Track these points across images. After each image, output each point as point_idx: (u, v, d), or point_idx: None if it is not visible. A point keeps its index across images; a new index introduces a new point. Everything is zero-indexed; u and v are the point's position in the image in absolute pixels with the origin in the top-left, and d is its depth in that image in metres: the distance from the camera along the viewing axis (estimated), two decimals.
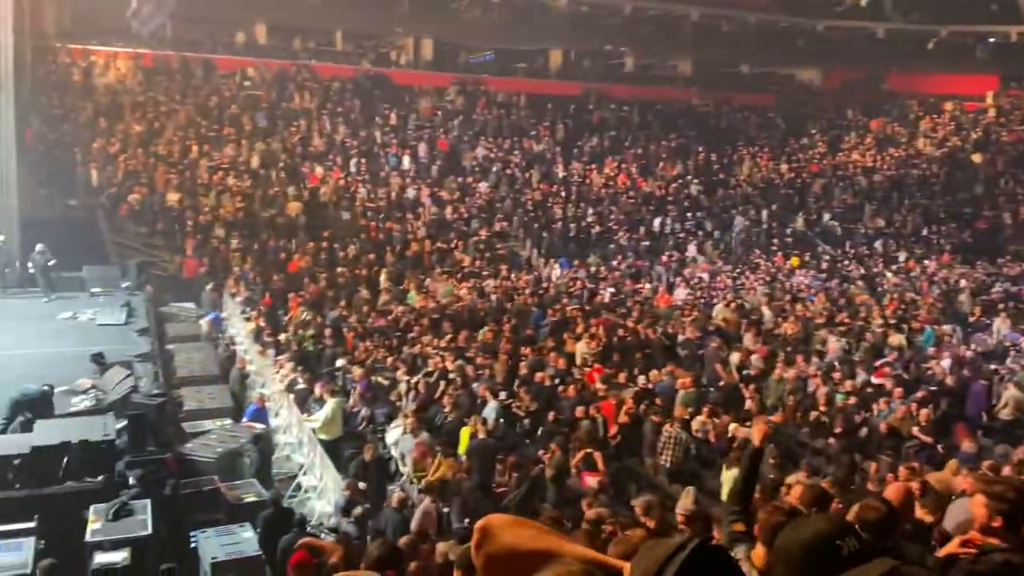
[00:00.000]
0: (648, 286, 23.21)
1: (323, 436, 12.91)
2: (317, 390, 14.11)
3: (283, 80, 32.41)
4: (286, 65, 33.10)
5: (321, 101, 31.95)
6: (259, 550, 9.36)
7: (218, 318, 19.61)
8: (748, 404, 13.46)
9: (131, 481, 9.96)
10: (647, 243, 27.22)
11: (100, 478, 10.39)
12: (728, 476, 9.95)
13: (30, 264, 19.89)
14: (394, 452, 12.84)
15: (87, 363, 14.28)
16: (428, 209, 26.99)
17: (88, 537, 9.22)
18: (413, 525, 9.43)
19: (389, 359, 16.15)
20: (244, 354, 17.44)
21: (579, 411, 12.68)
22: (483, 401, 13.33)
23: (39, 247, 19.77)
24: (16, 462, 10.19)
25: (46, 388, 12.17)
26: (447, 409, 13.23)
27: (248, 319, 18.70)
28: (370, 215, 25.84)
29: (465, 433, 12.17)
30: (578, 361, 15.70)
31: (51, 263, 19.87)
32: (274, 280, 20.99)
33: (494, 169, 30.12)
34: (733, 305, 20.18)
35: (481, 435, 11.58)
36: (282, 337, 17.27)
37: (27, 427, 11.23)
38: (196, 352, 17.23)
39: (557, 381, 14.13)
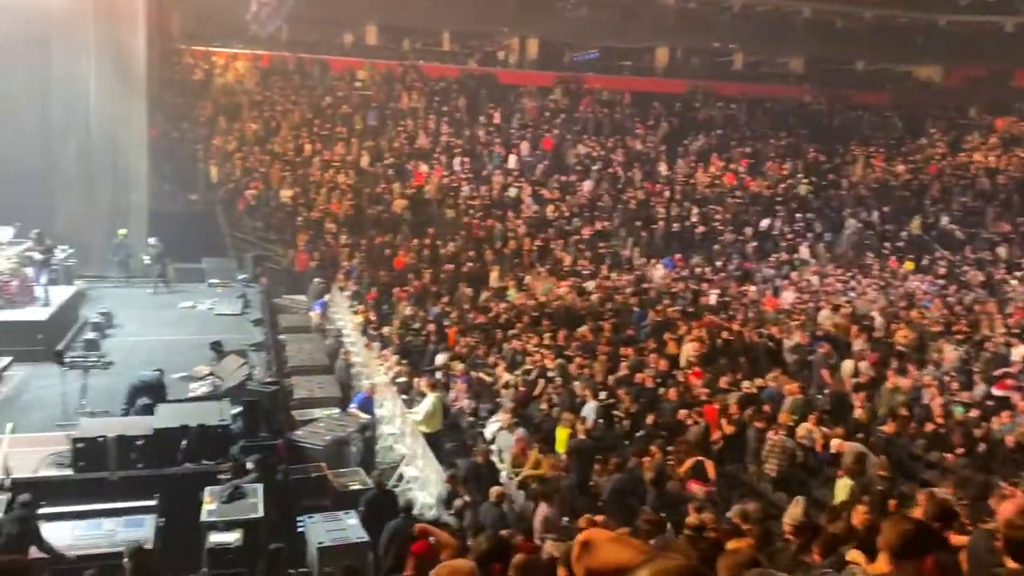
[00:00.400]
0: (754, 289, 22.65)
1: (424, 429, 13.15)
2: (419, 384, 14.40)
3: (391, 80, 33.14)
4: (394, 65, 33.82)
5: (428, 100, 32.52)
6: (363, 537, 9.65)
7: (323, 304, 20.26)
8: (858, 413, 12.97)
9: (249, 466, 10.36)
10: (753, 244, 26.54)
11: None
12: (843, 486, 9.61)
13: (144, 257, 20.89)
14: (494, 447, 12.96)
15: (205, 351, 15.00)
16: (529, 207, 27.11)
17: (204, 517, 9.70)
18: (537, 524, 9.46)
19: (489, 355, 16.32)
20: (351, 346, 17.95)
21: (681, 414, 12.50)
22: (582, 400, 13.30)
23: (151, 240, 20.85)
24: (139, 443, 10.81)
25: (158, 373, 12.77)
26: (545, 407, 13.27)
27: (355, 312, 19.20)
28: (472, 213, 26.14)
29: (563, 432, 12.17)
30: (681, 363, 15.47)
31: (162, 256, 20.81)
32: (380, 275, 21.49)
33: (596, 167, 29.98)
34: (844, 310, 19.47)
35: (580, 435, 11.55)
36: (387, 330, 17.67)
37: (147, 411, 11.89)
38: (306, 343, 17.87)
39: (658, 383, 13.95)
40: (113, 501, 10.01)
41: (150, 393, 12.27)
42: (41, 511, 9.51)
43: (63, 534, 9.32)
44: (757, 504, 9.07)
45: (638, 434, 12.64)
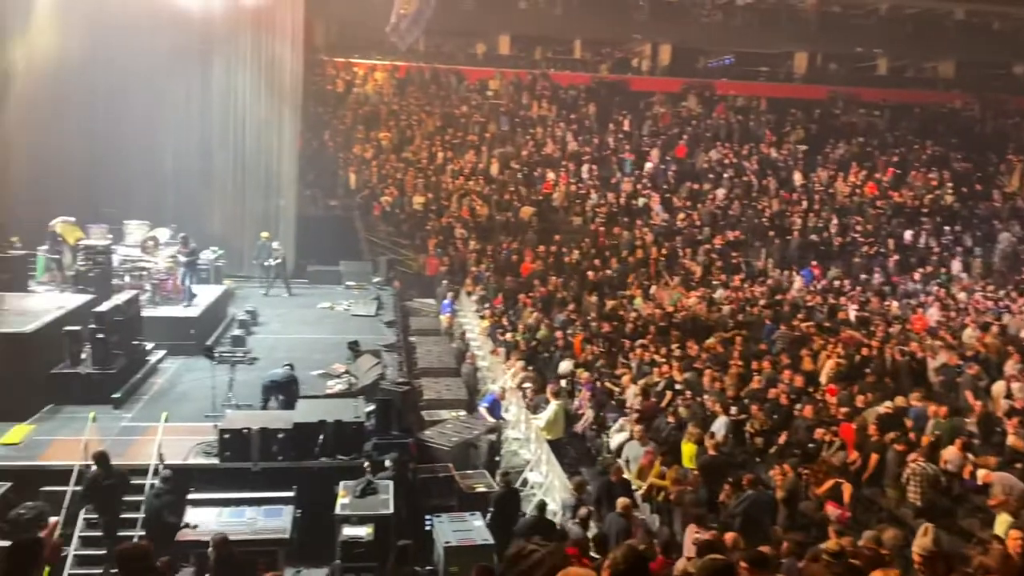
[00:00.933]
0: (896, 304, 21.53)
1: (546, 436, 13.18)
2: (544, 390, 14.45)
3: (522, 89, 33.52)
4: (525, 74, 34.18)
5: (558, 108, 32.70)
6: (488, 539, 9.76)
7: (451, 308, 20.67)
8: (1011, 439, 12.10)
9: (387, 463, 10.68)
10: (896, 258, 25.25)
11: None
12: (1003, 521, 8.96)
13: (270, 260, 21.80)
14: (620, 459, 12.85)
15: (342, 349, 15.62)
16: (658, 215, 26.78)
17: (338, 510, 10.08)
18: (688, 541, 9.32)
19: (615, 365, 16.20)
20: (477, 350, 18.22)
21: (817, 433, 12.01)
22: (711, 414, 13.00)
23: (275, 244, 21.83)
24: (280, 436, 11.32)
25: (288, 368, 13.29)
26: (671, 420, 13.05)
27: (482, 317, 19.49)
28: (599, 220, 26.06)
29: (689, 447, 11.92)
30: (822, 380, 14.88)
31: (280, 260, 21.66)
32: (507, 281, 21.73)
33: (728, 176, 29.30)
34: (995, 329, 18.23)
35: (711, 450, 11.29)
36: (512, 336, 17.84)
37: (286, 407, 12.48)
38: (435, 345, 18.29)
39: (793, 399, 13.46)
40: (254, 490, 10.52)
41: (282, 390, 12.86)
42: (189, 496, 10.19)
43: (209, 519, 9.89)
44: (896, 531, 8.62)
45: (770, 451, 12.25)
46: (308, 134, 28.81)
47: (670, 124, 32.59)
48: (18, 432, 11.60)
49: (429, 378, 16.07)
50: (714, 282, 22.56)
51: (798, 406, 13.08)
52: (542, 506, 10.30)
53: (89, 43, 19.43)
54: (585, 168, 29.08)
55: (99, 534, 10.09)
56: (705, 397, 13.71)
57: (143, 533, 9.92)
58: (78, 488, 10.25)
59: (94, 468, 10.03)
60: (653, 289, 21.69)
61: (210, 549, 8.66)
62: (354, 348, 14.83)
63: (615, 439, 13.23)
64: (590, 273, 22.31)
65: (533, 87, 33.64)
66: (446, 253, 23.95)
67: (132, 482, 10.44)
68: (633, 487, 11.16)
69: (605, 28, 35.72)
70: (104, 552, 9.88)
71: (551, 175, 28.33)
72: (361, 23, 33.90)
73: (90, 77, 19.57)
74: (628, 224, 25.92)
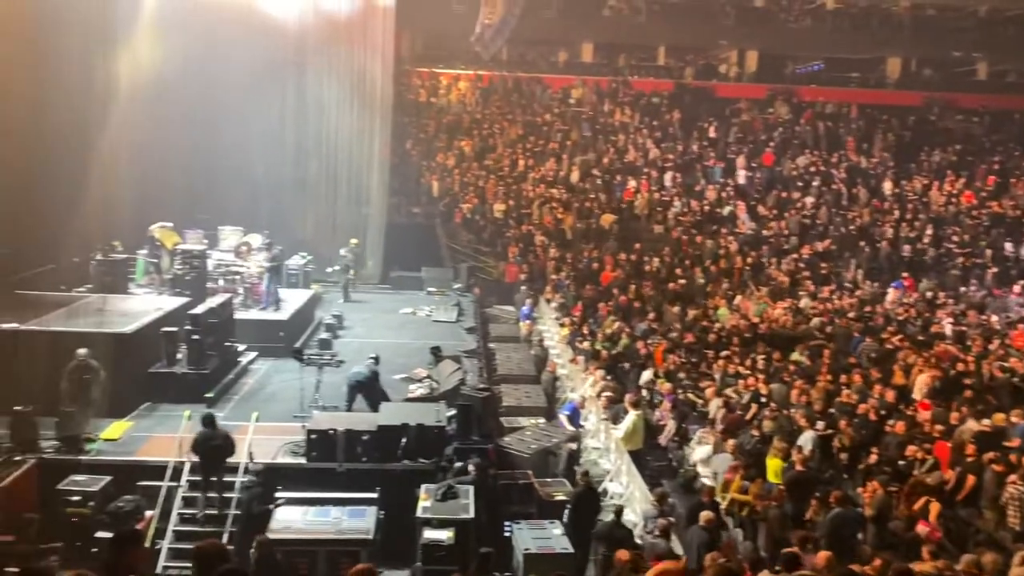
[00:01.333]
0: (996, 318, 20.59)
1: (626, 447, 13.05)
2: (624, 400, 14.32)
3: (604, 96, 33.42)
4: (608, 81, 34.07)
5: (641, 115, 32.48)
6: (568, 548, 9.74)
7: (530, 315, 20.73)
8: None
9: (470, 468, 10.80)
10: (996, 270, 24.16)
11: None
12: None
13: (335, 267, 22.23)
14: (701, 470, 12.65)
15: (423, 354, 15.84)
16: (744, 224, 26.30)
17: (419, 513, 10.21)
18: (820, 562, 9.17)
19: (697, 376, 15.96)
20: (556, 358, 18.21)
21: (909, 450, 11.58)
22: (797, 428, 12.67)
23: (342, 251, 22.25)
24: (365, 438, 11.55)
25: (371, 361, 13.49)
26: (756, 433, 12.77)
27: (562, 325, 19.47)
28: (683, 229, 25.75)
29: (774, 461, 11.64)
30: (914, 395, 14.34)
31: (349, 267, 22.01)
32: (586, 289, 21.65)
33: (817, 184, 28.57)
34: None
35: (797, 465, 11.01)
36: (592, 345, 17.76)
37: (372, 406, 12.74)
38: (514, 352, 18.35)
39: (883, 415, 13.01)
40: (339, 491, 10.74)
41: (365, 390, 13.11)
42: (277, 494, 10.49)
43: (295, 517, 10.15)
44: (995, 555, 8.27)
45: (859, 468, 11.87)
46: (392, 143, 29.37)
47: (757, 131, 31.98)
48: (118, 428, 12.14)
49: (508, 385, 16.13)
50: (801, 293, 22.00)
51: (890, 422, 12.64)
52: (619, 511, 10.27)
53: (187, 56, 20.24)
54: (668, 175, 28.78)
55: (193, 528, 10.48)
56: (791, 411, 13.38)
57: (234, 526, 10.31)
58: (173, 483, 10.68)
59: (203, 429, 10.71)
60: (738, 299, 21.27)
61: (252, 551, 8.90)
62: (436, 353, 15.00)
63: (697, 452, 13.04)
64: (671, 283, 22.03)
65: (615, 94, 33.50)
66: (526, 260, 24.04)
67: (224, 480, 10.82)
68: (717, 499, 10.97)
69: (690, 34, 35.31)
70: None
71: (632, 182, 28.16)
72: (445, 34, 34.43)
73: (188, 89, 20.37)
74: (712, 233, 25.53)
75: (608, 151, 30.07)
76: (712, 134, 31.54)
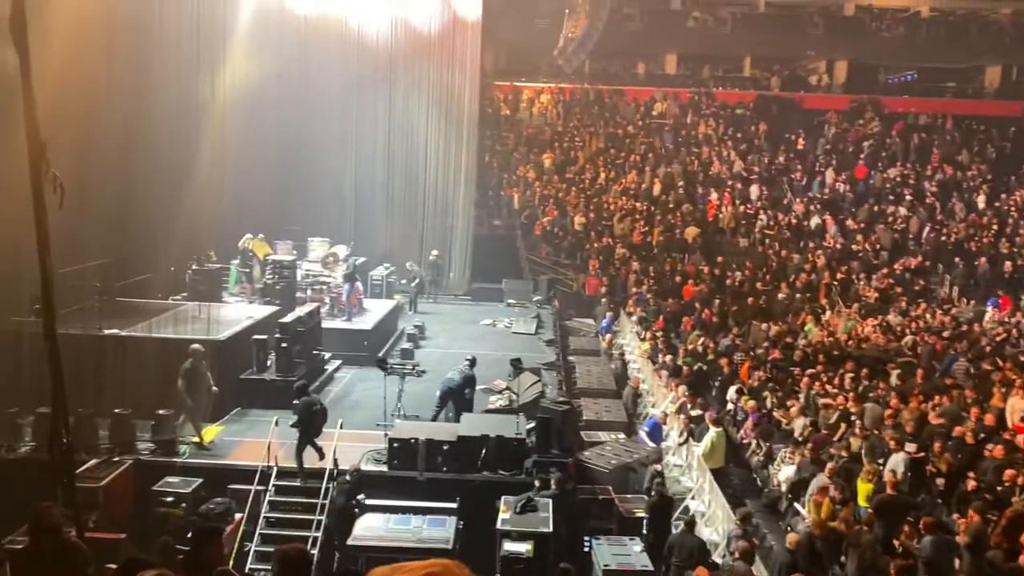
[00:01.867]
0: None
1: (708, 464, 12.83)
2: (705, 417, 14.09)
3: (688, 107, 33.08)
4: (691, 93, 33.73)
5: (725, 127, 32.03)
6: (648, 565, 9.63)
7: (609, 327, 20.59)
8: None
9: (552, 482, 10.79)
10: None
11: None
12: None
13: (404, 281, 22.42)
14: (785, 490, 12.32)
15: (503, 366, 15.91)
16: (833, 238, 25.60)
17: (499, 525, 10.24)
18: None
19: (783, 393, 15.56)
20: (637, 373, 18.04)
21: (1008, 475, 11.03)
22: (889, 450, 12.22)
23: (409, 264, 22.47)
24: (445, 448, 11.67)
25: (468, 363, 13.59)
26: (845, 454, 12.37)
27: (643, 339, 19.29)
28: (769, 243, 25.22)
29: (864, 484, 11.25)
30: (1010, 420, 13.67)
31: (416, 281, 22.22)
32: (669, 303, 21.41)
33: (910, 197, 27.61)
34: None
35: (888, 488, 10.62)
36: (673, 359, 17.55)
37: (461, 411, 12.92)
38: (594, 365, 18.25)
39: (980, 438, 12.42)
40: (419, 499, 10.88)
41: (456, 396, 13.23)
42: (360, 499, 10.69)
43: (377, 524, 10.32)
44: None
45: (954, 493, 11.36)
46: (475, 156, 29.71)
47: (846, 143, 31.13)
48: (210, 432, 12.56)
49: (588, 398, 16.05)
50: (892, 310, 21.25)
51: (988, 446, 12.07)
52: (691, 523, 10.16)
53: (279, 71, 20.93)
54: (754, 188, 28.26)
55: (278, 532, 10.75)
56: (882, 432, 12.91)
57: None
58: (261, 487, 10.99)
59: (304, 398, 11.53)
60: (826, 316, 20.70)
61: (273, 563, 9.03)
62: (516, 365, 15.05)
63: (782, 471, 12.71)
64: (752, 298, 21.58)
65: (699, 105, 33.13)
66: (606, 273, 23.92)
67: (308, 485, 11.09)
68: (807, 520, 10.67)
69: (777, 45, 34.68)
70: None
71: (715, 195, 27.75)
72: (527, 48, 34.70)
73: (279, 103, 21.06)
74: (799, 247, 24.94)
75: (691, 163, 29.73)
76: (800, 146, 30.85)
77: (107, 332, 13.15)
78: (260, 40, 20.53)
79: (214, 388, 12.50)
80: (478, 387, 14.87)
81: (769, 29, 34.08)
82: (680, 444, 14.39)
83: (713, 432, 13.07)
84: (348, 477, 10.81)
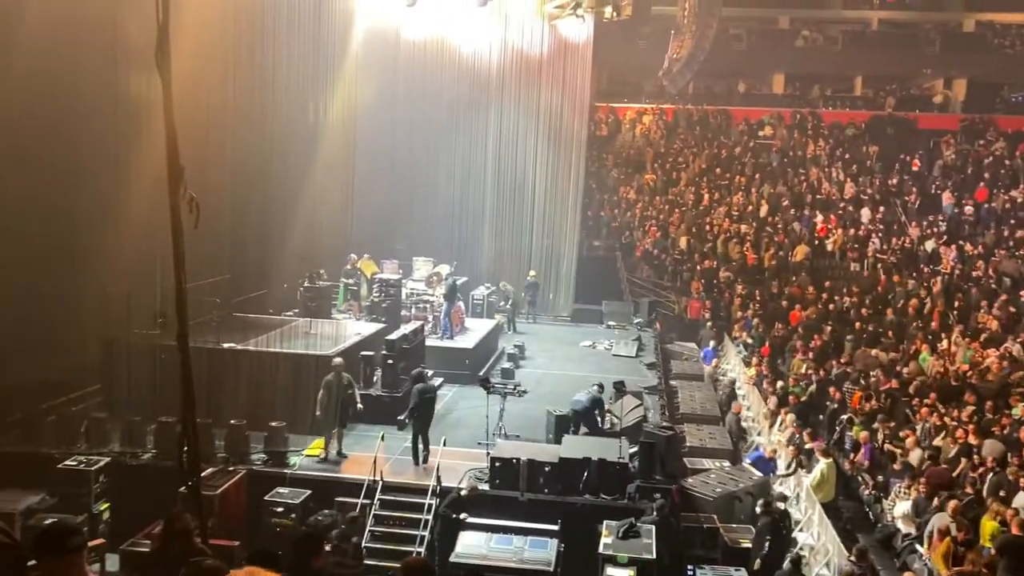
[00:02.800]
0: None
1: (818, 497, 12.38)
2: (813, 447, 13.63)
3: (796, 128, 32.31)
4: (799, 113, 32.94)
5: (834, 148, 31.11)
6: None
7: (713, 353, 20.17)
8: None
9: (656, 507, 10.65)
10: None
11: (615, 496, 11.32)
12: None
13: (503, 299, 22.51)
14: (901, 525, 11.77)
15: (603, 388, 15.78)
16: (950, 264, 24.43)
17: (601, 549, 10.14)
18: None
19: (897, 425, 14.90)
20: (743, 400, 17.60)
21: None
22: (1014, 486, 11.52)
23: (502, 284, 22.48)
24: (547, 469, 11.65)
25: (596, 388, 13.67)
26: (969, 491, 11.73)
27: (748, 365, 18.84)
28: (881, 267, 24.28)
29: (990, 523, 10.63)
30: None
31: (511, 301, 22.28)
32: (776, 328, 20.84)
33: None
34: None
35: (1014, 528, 10.00)
36: (780, 387, 17.05)
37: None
38: (697, 391, 17.91)
39: None
40: (520, 520, 10.87)
41: (585, 419, 13.26)
42: (462, 518, 10.76)
43: (479, 542, 10.36)
44: None
45: None
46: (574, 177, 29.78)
47: (965, 164, 29.74)
48: (318, 445, 12.91)
49: (691, 424, 15.74)
50: (1014, 339, 20.07)
51: None
52: (797, 560, 9.78)
53: (388, 94, 21.55)
54: (865, 211, 27.30)
55: (383, 546, 10.95)
56: (1009, 469, 12.20)
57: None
58: (367, 501, 11.22)
59: (420, 384, 12.70)
60: (943, 344, 19.73)
61: None
62: (619, 388, 14.91)
63: (897, 506, 12.16)
64: (865, 324, 20.77)
65: (807, 126, 32.30)
66: (710, 296, 23.50)
67: (412, 500, 11.26)
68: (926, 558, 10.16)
69: (890, 64, 33.55)
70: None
71: (820, 217, 26.91)
72: (630, 69, 34.62)
73: (388, 127, 21.68)
74: (914, 272, 23.91)
75: (799, 184, 28.98)
76: (915, 167, 29.66)
77: (225, 346, 13.72)
78: (371, 64, 21.20)
79: (359, 406, 12.93)
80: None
81: (882, 47, 33.05)
82: (788, 474, 13.93)
83: (824, 463, 12.64)
84: (458, 495, 10.88)
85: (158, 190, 6.04)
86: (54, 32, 12.17)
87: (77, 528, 3.34)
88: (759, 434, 16.38)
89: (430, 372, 16.16)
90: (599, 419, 13.47)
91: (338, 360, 12.84)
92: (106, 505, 11.22)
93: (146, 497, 10.54)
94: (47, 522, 8.49)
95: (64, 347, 12.98)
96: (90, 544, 10.13)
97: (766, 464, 13.54)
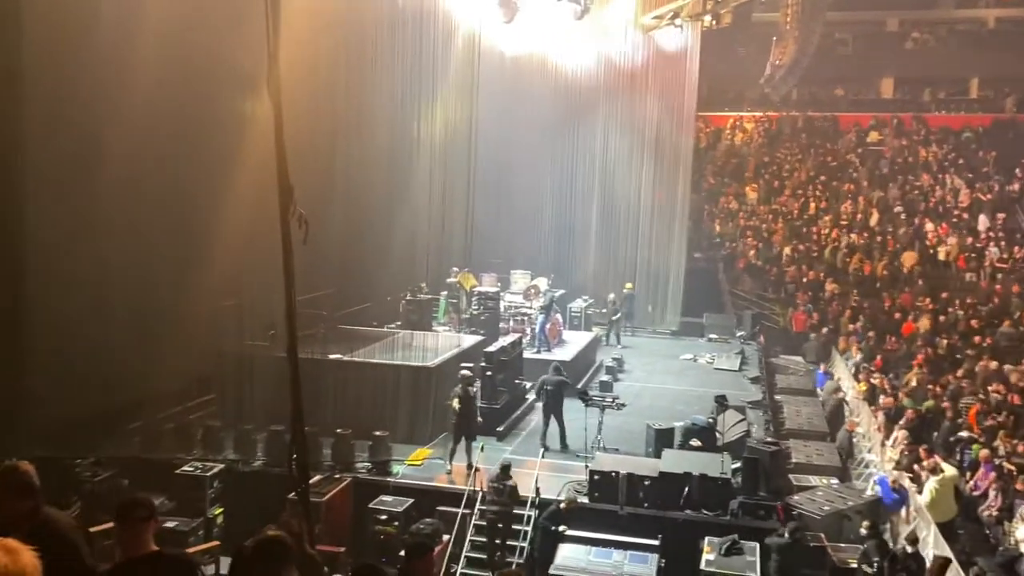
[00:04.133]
0: None
1: (932, 516, 11.77)
2: (927, 464, 12.98)
3: (906, 133, 31.04)
4: (910, 117, 31.63)
5: (948, 153, 29.72)
6: None
7: (822, 378, 19.49)
8: None
9: (789, 529, 10.42)
10: None
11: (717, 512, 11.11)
12: None
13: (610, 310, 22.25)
14: None
15: (704, 402, 15.52)
16: None
17: (702, 566, 9.97)
18: None
19: (1017, 441, 14.05)
20: (853, 415, 16.96)
21: None
22: None
23: (611, 296, 22.21)
24: (647, 483, 11.53)
25: (711, 421, 13.63)
26: None
27: (859, 380, 18.15)
28: (1000, 277, 23.02)
29: None
30: None
31: (616, 315, 21.90)
32: (888, 340, 20.02)
33: None
34: None
35: None
36: (893, 402, 16.34)
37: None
38: (804, 406, 17.36)
39: None
40: (620, 534, 10.78)
41: (700, 435, 13.11)
42: (562, 530, 10.75)
43: (578, 555, 10.35)
44: None
45: None
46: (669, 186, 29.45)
47: None
48: (420, 454, 13.16)
49: (797, 440, 15.26)
50: None
51: None
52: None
53: (487, 109, 21.77)
54: (982, 218, 25.95)
55: (482, 556, 11.04)
56: None
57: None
58: (467, 511, 11.35)
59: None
60: None
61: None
62: (721, 402, 14.61)
63: (1020, 529, 11.47)
64: (982, 336, 19.72)
65: (918, 130, 30.99)
66: (816, 308, 22.78)
67: (515, 511, 11.33)
68: None
69: (1008, 63, 31.80)
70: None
71: (930, 225, 25.71)
72: (731, 77, 33.98)
73: (487, 141, 21.84)
74: None
75: (911, 192, 27.80)
76: None
77: (331, 357, 14.15)
78: (470, 80, 21.45)
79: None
80: (679, 423, 14.58)
81: (1000, 46, 31.42)
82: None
83: (933, 481, 12.01)
84: (559, 507, 10.87)
85: (265, 205, 6.33)
86: (163, 56, 12.82)
87: (145, 502, 3.82)
88: (870, 451, 15.76)
89: (528, 384, 16.26)
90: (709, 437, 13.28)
91: (465, 372, 13.10)
92: (220, 510, 11.70)
93: (257, 503, 10.97)
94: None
95: (181, 359, 13.61)
96: (205, 546, 10.66)
97: (890, 491, 12.71)
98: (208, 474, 11.73)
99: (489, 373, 14.56)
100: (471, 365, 13.97)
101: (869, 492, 12.36)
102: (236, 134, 14.14)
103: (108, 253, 12.61)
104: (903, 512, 12.59)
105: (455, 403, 12.63)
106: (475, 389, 13.12)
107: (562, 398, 13.74)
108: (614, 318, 21.91)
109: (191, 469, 11.89)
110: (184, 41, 13.04)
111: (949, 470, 12.32)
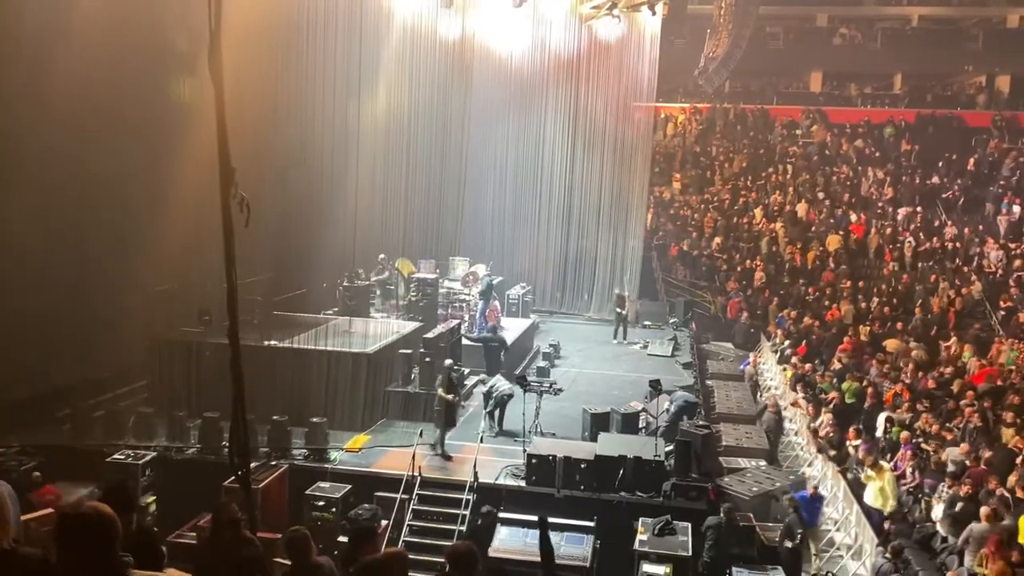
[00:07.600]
0: None
1: (880, 507, 12.16)
2: (860, 454, 13.48)
3: (833, 126, 32.00)
4: (836, 111, 32.61)
5: (872, 146, 30.76)
6: None
7: (749, 362, 20.04)
8: None
9: (724, 509, 10.82)
10: None
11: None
12: None
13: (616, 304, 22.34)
14: (940, 529, 11.65)
15: (637, 387, 15.85)
16: (993, 264, 24.05)
17: (636, 546, 10.24)
18: None
19: (936, 426, 14.73)
20: (780, 400, 17.51)
21: None
22: None
23: (617, 290, 22.44)
24: (583, 466, 11.75)
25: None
26: (1020, 493, 11.58)
27: (784, 366, 18.74)
28: (920, 267, 23.98)
29: None
30: None
31: (625, 310, 21.89)
32: (811, 327, 20.69)
33: None
34: None
35: None
36: (814, 387, 16.96)
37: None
38: (733, 391, 17.87)
39: None
40: (557, 516, 10.96)
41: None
42: (500, 515, 10.90)
43: (515, 539, 10.52)
44: None
45: None
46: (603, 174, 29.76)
47: (1011, 163, 29.21)
48: (358, 441, 13.14)
49: (727, 424, 15.73)
50: None
51: None
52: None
53: (422, 96, 21.70)
54: (902, 210, 26.97)
55: (421, 540, 11.12)
56: None
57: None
58: (405, 496, 11.41)
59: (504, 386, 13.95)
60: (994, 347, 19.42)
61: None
62: (655, 387, 14.92)
63: (936, 509, 12.03)
64: (901, 323, 20.59)
65: (844, 124, 31.97)
66: (746, 296, 23.38)
67: (450, 495, 11.42)
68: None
69: (930, 61, 33.08)
70: None
71: (854, 216, 26.61)
72: (665, 68, 34.40)
73: (423, 127, 21.81)
74: (953, 271, 23.59)
75: (836, 184, 28.70)
76: (955, 166, 29.21)
77: (267, 343, 13.99)
78: (410, 65, 21.34)
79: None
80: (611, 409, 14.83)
81: (922, 44, 32.64)
82: (828, 474, 13.86)
83: (878, 482, 12.28)
84: (484, 510, 10.99)
85: (201, 191, 6.25)
86: (99, 38, 12.49)
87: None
88: (796, 434, 16.35)
89: (466, 370, 16.31)
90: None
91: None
92: (153, 498, 11.51)
93: (191, 491, 10.85)
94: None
95: (112, 345, 13.34)
96: None
97: (813, 505, 12.60)
98: (140, 462, 11.50)
99: (428, 359, 14.59)
100: (379, 349, 14.37)
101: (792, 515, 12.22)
102: (170, 115, 13.88)
103: (40, 239, 12.27)
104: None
105: (442, 391, 12.76)
106: (459, 376, 13.36)
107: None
108: (622, 313, 21.79)
109: (122, 457, 11.64)
110: (114, 22, 12.72)
111: (887, 466, 12.72)
